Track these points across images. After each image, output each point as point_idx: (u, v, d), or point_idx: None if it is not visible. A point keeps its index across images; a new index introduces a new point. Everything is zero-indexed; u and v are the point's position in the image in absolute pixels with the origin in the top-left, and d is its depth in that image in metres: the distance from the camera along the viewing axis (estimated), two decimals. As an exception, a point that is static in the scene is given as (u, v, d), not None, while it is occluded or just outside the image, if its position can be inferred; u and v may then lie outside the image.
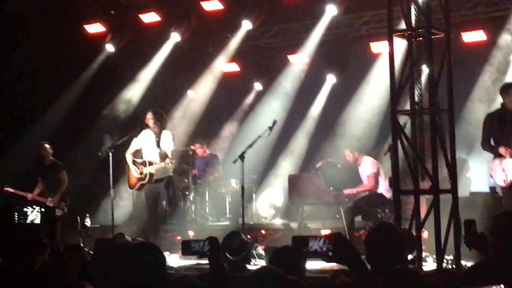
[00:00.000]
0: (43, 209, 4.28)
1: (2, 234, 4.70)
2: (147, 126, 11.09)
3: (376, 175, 11.10)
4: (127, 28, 14.94)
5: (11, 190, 12.55)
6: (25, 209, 4.50)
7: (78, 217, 12.92)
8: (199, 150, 14.86)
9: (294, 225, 12.29)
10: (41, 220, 4.32)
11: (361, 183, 11.37)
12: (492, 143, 9.71)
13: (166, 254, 10.17)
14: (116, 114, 15.26)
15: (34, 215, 4.46)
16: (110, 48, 14.86)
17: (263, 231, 12.64)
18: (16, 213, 4.46)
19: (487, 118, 9.87)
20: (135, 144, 11.15)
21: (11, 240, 4.64)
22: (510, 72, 13.49)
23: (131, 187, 11.37)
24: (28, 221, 4.51)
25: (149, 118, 11.09)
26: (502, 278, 3.67)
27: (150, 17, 14.61)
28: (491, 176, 9.71)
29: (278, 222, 13.90)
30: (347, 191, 11.28)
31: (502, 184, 9.49)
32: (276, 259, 5.33)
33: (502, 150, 9.49)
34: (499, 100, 10.03)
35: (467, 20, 14.06)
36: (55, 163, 12.72)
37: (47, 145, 12.80)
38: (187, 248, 4.89)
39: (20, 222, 4.44)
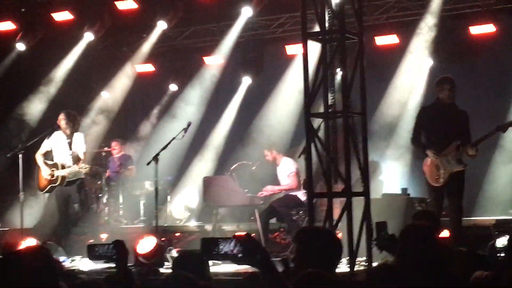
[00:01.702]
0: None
1: None
2: (59, 128, 10.88)
3: (298, 173, 11.16)
4: (39, 27, 14.67)
5: None
6: None
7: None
8: (115, 150, 14.66)
9: (208, 227, 12.26)
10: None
11: (277, 184, 11.42)
12: (423, 138, 9.69)
13: (77, 258, 10.05)
14: (26, 115, 14.93)
15: None
16: (21, 46, 14.58)
17: (177, 234, 12.56)
18: None
19: (420, 111, 9.90)
20: (45, 146, 10.94)
21: None
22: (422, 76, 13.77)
23: (41, 189, 11.15)
24: None
25: (61, 119, 10.90)
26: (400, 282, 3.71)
27: (62, 16, 14.36)
28: (424, 173, 9.63)
29: (192, 224, 13.86)
30: (267, 189, 11.30)
31: (435, 183, 9.46)
32: (179, 263, 5.27)
33: (429, 153, 9.44)
34: (410, 104, 10.21)
35: (380, 24, 14.29)
36: None
37: None
38: (92, 252, 4.79)
39: None
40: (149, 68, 16.73)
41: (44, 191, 11.09)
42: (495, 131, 9.48)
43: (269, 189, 11.33)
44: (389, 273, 4.01)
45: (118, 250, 4.66)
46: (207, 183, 11.76)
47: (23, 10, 14.62)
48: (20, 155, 10.92)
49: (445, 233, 7.99)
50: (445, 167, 9.36)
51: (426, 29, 13.59)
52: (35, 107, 15.08)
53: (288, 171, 11.25)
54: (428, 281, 4.10)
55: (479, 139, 9.45)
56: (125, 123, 17.36)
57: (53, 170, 10.77)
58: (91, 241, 11.05)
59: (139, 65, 16.40)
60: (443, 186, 9.42)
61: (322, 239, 4.66)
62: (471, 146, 9.36)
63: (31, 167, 11.15)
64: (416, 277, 4.06)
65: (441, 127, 9.54)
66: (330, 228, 8.22)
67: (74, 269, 9.15)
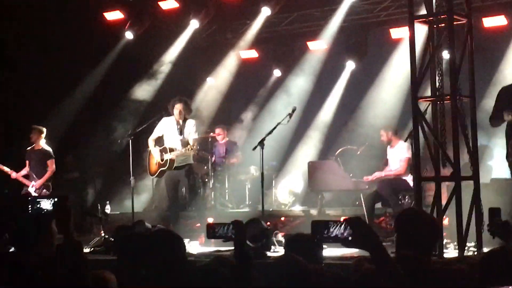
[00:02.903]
0: (56, 199, 4.28)
1: (15, 224, 4.70)
2: (167, 114, 11.05)
3: (409, 160, 10.98)
4: (146, 15, 14.94)
5: None
6: (38, 199, 4.51)
7: (99, 204, 12.94)
8: (220, 136, 14.82)
9: (313, 212, 12.29)
10: (52, 209, 4.33)
11: (385, 165, 11.29)
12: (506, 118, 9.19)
13: (186, 241, 10.17)
14: (135, 102, 15.25)
15: (48, 205, 4.46)
16: (129, 35, 14.87)
17: (282, 218, 12.64)
18: (30, 204, 4.47)
19: (501, 91, 9.41)
20: (157, 131, 11.11)
21: (22, 230, 4.64)
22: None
23: (151, 173, 11.36)
24: (43, 210, 4.52)
25: (177, 107, 11.00)
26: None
27: (169, 4, 14.60)
28: (507, 158, 9.28)
29: (297, 209, 13.90)
30: (375, 174, 11.18)
31: None
32: (292, 245, 5.30)
33: (505, 116, 9.04)
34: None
35: (488, 5, 13.94)
36: (45, 150, 12.46)
37: (38, 129, 12.48)
38: (212, 231, 4.88)
39: (33, 212, 4.46)
40: (253, 54, 16.83)
41: (155, 175, 11.29)
42: None
43: (377, 175, 11.20)
44: (505, 259, 3.91)
45: (238, 230, 4.74)
46: (312, 168, 11.77)
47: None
48: (130, 140, 11.14)
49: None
50: None
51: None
52: (143, 94, 15.41)
53: (402, 155, 11.03)
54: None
55: None
56: (230, 109, 17.53)
57: (162, 154, 10.95)
58: (198, 225, 11.24)
59: (243, 51, 16.52)
60: None
61: (419, 221, 4.59)
62: None
63: (140, 152, 11.39)
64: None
65: None
66: (438, 213, 8.12)
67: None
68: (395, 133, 11.30)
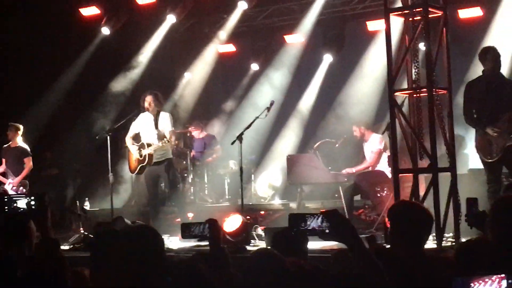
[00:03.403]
0: (32, 197, 4.26)
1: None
2: (144, 109, 11.03)
3: (381, 152, 11.06)
4: (122, 11, 14.88)
5: None
6: (14, 198, 4.47)
7: (78, 201, 12.92)
8: (196, 132, 14.83)
9: (293, 205, 12.30)
10: (30, 208, 4.30)
11: (362, 159, 11.35)
12: (474, 113, 9.03)
13: (165, 236, 10.19)
14: (114, 97, 15.21)
15: (23, 203, 4.43)
16: (105, 31, 14.81)
17: (262, 212, 12.65)
18: (6, 204, 4.43)
19: (467, 87, 9.19)
20: (134, 128, 11.08)
21: (1, 229, 4.62)
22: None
23: (131, 171, 11.32)
24: (19, 209, 4.49)
25: (149, 100, 11.00)
26: (501, 264, 3.64)
27: (145, -1, 14.55)
28: (476, 149, 9.14)
29: (277, 202, 13.92)
30: (347, 170, 11.26)
31: (488, 159, 8.93)
32: (277, 241, 5.32)
33: (489, 131, 8.87)
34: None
35: (464, -4, 14.03)
36: (22, 148, 12.39)
37: (14, 127, 12.39)
38: (187, 231, 4.85)
39: (10, 211, 4.42)
40: (231, 48, 16.83)
41: (135, 172, 11.26)
42: None
43: (345, 172, 11.25)
44: (481, 249, 3.94)
45: (212, 229, 4.73)
46: (291, 161, 11.78)
47: (107, -6, 14.88)
48: (108, 137, 11.11)
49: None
50: (497, 142, 8.80)
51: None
52: (121, 89, 15.35)
53: (374, 147, 11.14)
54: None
55: None
56: (208, 103, 17.51)
57: (140, 150, 10.93)
58: (178, 220, 11.23)
59: (220, 46, 16.50)
60: (499, 161, 8.89)
61: (414, 213, 4.61)
62: None
63: (119, 148, 11.36)
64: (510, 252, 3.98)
65: (490, 100, 8.91)
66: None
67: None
68: (367, 127, 11.36)
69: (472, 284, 3.01)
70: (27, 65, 13.85)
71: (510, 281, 3.01)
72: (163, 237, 8.75)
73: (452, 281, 3.08)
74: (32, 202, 4.27)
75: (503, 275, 3.01)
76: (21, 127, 12.42)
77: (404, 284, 3.91)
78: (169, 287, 3.62)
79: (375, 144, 11.13)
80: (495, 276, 3.01)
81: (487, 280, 3.02)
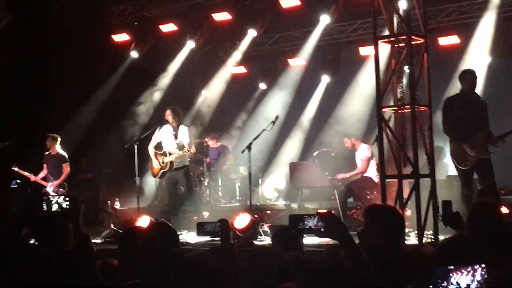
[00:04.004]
0: (67, 198, 4.26)
1: (32, 220, 4.67)
2: (166, 122, 11.06)
3: (369, 160, 11.04)
4: (149, 37, 14.92)
5: (17, 169, 12.36)
6: (50, 198, 4.48)
7: (109, 201, 12.91)
8: (211, 142, 14.85)
9: (294, 205, 12.27)
10: (65, 207, 4.30)
11: (354, 167, 11.33)
12: (452, 126, 8.99)
13: (184, 232, 10.21)
14: (140, 111, 15.25)
15: (59, 203, 4.44)
16: (134, 54, 14.86)
17: (268, 211, 12.63)
18: (44, 202, 4.44)
19: (446, 102, 9.18)
20: (155, 138, 11.11)
21: (41, 226, 4.62)
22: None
23: (154, 175, 11.35)
24: (54, 208, 4.48)
25: (168, 114, 11.05)
26: (480, 258, 3.63)
27: (168, 28, 14.58)
28: (452, 156, 9.11)
29: (281, 203, 13.88)
30: (340, 175, 11.24)
31: (462, 167, 8.94)
32: (277, 237, 5.33)
33: (466, 148, 8.87)
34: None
35: (443, 26, 14.01)
36: (61, 154, 12.39)
37: (52, 137, 12.40)
38: (201, 229, 4.85)
39: (48, 209, 4.43)
40: (242, 70, 16.87)
41: (157, 176, 11.28)
42: None
43: (342, 176, 11.23)
44: (460, 244, 3.93)
45: (223, 227, 4.73)
46: (293, 168, 11.78)
47: (135, 23, 14.92)
48: (136, 146, 11.12)
49: (504, 210, 7.80)
50: (472, 154, 8.80)
51: (484, 29, 13.26)
52: (147, 105, 15.39)
53: (362, 155, 11.13)
54: (496, 251, 4.01)
55: (507, 132, 8.78)
56: (222, 117, 17.53)
57: (162, 158, 10.95)
58: (195, 218, 11.23)
59: (233, 68, 16.53)
60: (470, 169, 8.89)
61: (386, 214, 4.61)
62: (500, 138, 8.77)
63: (144, 155, 11.38)
64: (486, 248, 3.97)
65: (466, 115, 8.89)
66: (400, 206, 8.16)
67: (182, 241, 9.30)
68: (357, 138, 11.33)
69: (451, 274, 3.01)
70: (67, 83, 13.89)
71: (483, 272, 3.02)
72: (182, 232, 8.75)
73: (433, 269, 3.09)
74: (67, 203, 4.28)
75: (476, 266, 3.02)
76: (59, 137, 12.44)
77: (386, 272, 3.90)
78: (182, 276, 3.62)
79: (363, 152, 11.11)
80: (470, 267, 3.02)
81: (463, 271, 3.02)
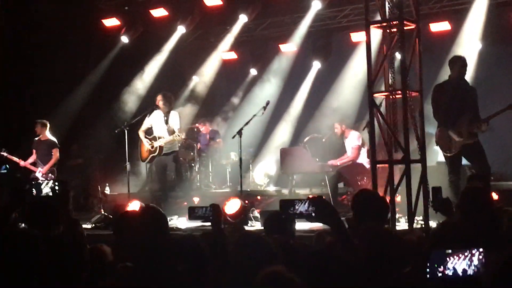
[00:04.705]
0: (56, 183, 4.24)
1: (23, 204, 4.63)
2: (157, 107, 11.02)
3: (360, 148, 11.04)
4: (139, 22, 14.84)
5: (5, 154, 12.28)
6: (40, 182, 4.46)
7: (99, 186, 12.86)
8: (203, 127, 14.82)
9: (285, 191, 12.28)
10: (54, 191, 4.27)
11: (343, 154, 11.33)
12: (441, 112, 8.97)
13: (175, 217, 10.20)
14: (130, 97, 15.19)
15: (48, 188, 4.40)
16: (124, 39, 14.79)
17: (258, 197, 12.60)
18: (34, 187, 4.41)
19: (435, 89, 9.12)
20: (146, 123, 11.09)
21: (31, 210, 4.59)
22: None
23: (143, 160, 11.32)
24: (43, 193, 4.45)
25: (159, 99, 11.02)
26: (466, 241, 3.63)
27: (159, 12, 14.49)
28: (437, 144, 9.13)
29: (271, 189, 13.89)
30: (331, 162, 11.24)
31: (447, 153, 8.95)
32: (269, 222, 5.32)
33: (452, 134, 8.84)
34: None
35: (434, 12, 13.99)
36: (50, 140, 12.30)
37: (41, 123, 12.29)
38: (192, 213, 4.84)
39: (37, 194, 4.40)
40: (233, 55, 16.80)
41: (146, 161, 11.25)
42: (507, 108, 8.60)
43: (332, 163, 11.23)
44: (452, 230, 3.93)
45: (214, 212, 4.72)
46: (284, 153, 11.76)
47: (126, 8, 14.83)
48: (126, 131, 11.07)
49: (494, 196, 7.80)
50: (456, 139, 8.78)
51: (476, 16, 13.25)
52: (137, 90, 15.33)
53: (353, 143, 11.12)
54: (486, 236, 4.01)
55: (490, 115, 8.74)
56: (213, 103, 17.49)
57: (152, 142, 10.93)
58: (185, 203, 11.20)
59: (224, 53, 16.48)
60: (457, 155, 8.86)
61: (371, 199, 4.63)
62: (483, 121, 8.70)
63: (134, 141, 11.33)
64: (476, 233, 3.97)
65: (455, 102, 8.88)
66: (391, 192, 8.16)
67: (173, 226, 9.29)
68: (347, 125, 11.32)
69: (447, 259, 3.00)
70: (57, 68, 13.81)
71: (480, 256, 3.00)
72: (172, 218, 8.73)
73: (429, 252, 3.07)
74: (56, 187, 4.25)
75: (474, 250, 3.00)
76: (48, 123, 12.37)
77: (375, 256, 3.89)
78: (173, 259, 3.61)
79: (354, 140, 11.11)
80: (468, 251, 3.00)
81: (460, 255, 3.01)
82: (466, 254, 2.99)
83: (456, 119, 8.87)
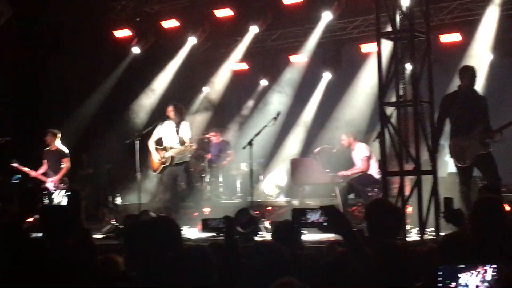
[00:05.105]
0: (68, 193, 4.27)
1: (34, 213, 4.63)
2: (168, 118, 11.04)
3: (368, 158, 11.01)
4: (150, 33, 14.87)
5: (16, 165, 12.20)
6: (51, 192, 4.48)
7: (110, 197, 12.89)
8: (214, 137, 14.81)
9: (295, 202, 12.24)
10: (67, 202, 4.29)
11: (352, 165, 11.30)
12: (450, 123, 8.86)
13: (185, 227, 10.18)
14: (141, 107, 15.23)
15: (60, 197, 4.43)
16: (136, 50, 14.81)
17: (269, 208, 12.58)
18: (45, 196, 4.44)
19: (444, 99, 8.99)
20: (156, 134, 11.09)
21: (43, 219, 4.59)
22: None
23: (154, 170, 11.31)
24: (54, 202, 4.47)
25: (170, 110, 11.04)
26: (478, 254, 3.60)
27: (170, 24, 14.57)
28: (450, 154, 8.94)
29: (282, 199, 13.85)
30: (342, 173, 11.21)
31: (460, 164, 8.80)
32: (277, 231, 5.31)
33: (465, 146, 8.68)
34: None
35: (445, 23, 13.98)
36: (61, 150, 12.23)
37: (51, 132, 12.24)
38: (206, 225, 4.86)
39: (49, 203, 4.43)
40: (243, 66, 16.84)
41: (157, 171, 11.25)
42: None
43: (341, 174, 11.20)
44: (462, 241, 3.91)
45: (227, 224, 4.72)
46: (294, 164, 11.76)
47: (137, 19, 14.88)
48: (137, 142, 11.08)
49: (506, 207, 7.76)
50: (470, 150, 8.66)
51: (486, 27, 13.23)
52: (148, 101, 15.37)
53: (362, 155, 11.06)
54: (499, 248, 3.98)
55: (504, 125, 8.65)
56: (224, 113, 17.51)
57: (163, 153, 10.94)
58: (196, 214, 11.19)
59: (235, 64, 16.50)
60: (470, 166, 8.77)
61: (384, 209, 4.60)
62: (497, 131, 8.62)
63: (145, 151, 11.35)
64: (488, 245, 3.94)
65: (465, 112, 8.77)
66: (402, 203, 8.13)
67: (184, 237, 9.26)
68: (355, 137, 11.27)
69: (459, 275, 2.94)
70: (68, 79, 13.87)
71: (494, 273, 2.93)
72: (183, 228, 8.70)
73: (438, 267, 3.03)
74: (68, 197, 4.26)
75: (487, 267, 2.93)
76: (59, 132, 12.33)
77: (388, 268, 3.87)
78: (183, 271, 3.60)
79: (361, 152, 11.04)
80: (480, 267, 2.93)
81: (472, 271, 2.95)
82: (479, 269, 2.94)
83: (469, 129, 8.82)
